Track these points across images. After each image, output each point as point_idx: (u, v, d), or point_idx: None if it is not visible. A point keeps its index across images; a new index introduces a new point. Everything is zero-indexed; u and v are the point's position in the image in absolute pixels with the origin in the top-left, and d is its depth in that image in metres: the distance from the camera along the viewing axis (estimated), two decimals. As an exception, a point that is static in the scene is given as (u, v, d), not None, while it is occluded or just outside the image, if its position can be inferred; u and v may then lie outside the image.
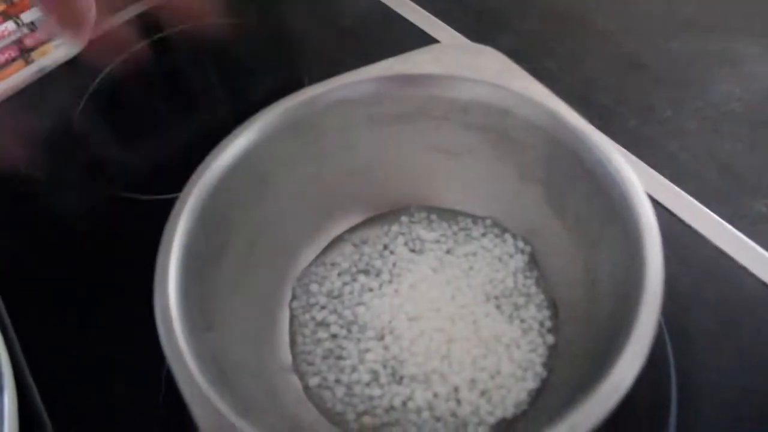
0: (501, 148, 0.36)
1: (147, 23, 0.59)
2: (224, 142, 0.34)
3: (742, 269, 0.38)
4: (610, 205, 0.30)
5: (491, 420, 0.32)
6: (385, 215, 0.40)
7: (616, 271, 0.30)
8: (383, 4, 0.58)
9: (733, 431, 0.33)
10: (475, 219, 0.39)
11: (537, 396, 0.33)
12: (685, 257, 0.38)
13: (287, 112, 0.35)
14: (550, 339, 0.34)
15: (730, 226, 0.40)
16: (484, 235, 0.38)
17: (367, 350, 0.35)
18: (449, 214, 0.39)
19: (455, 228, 0.39)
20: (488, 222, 0.39)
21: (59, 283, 0.43)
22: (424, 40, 0.53)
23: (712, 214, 0.40)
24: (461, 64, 0.35)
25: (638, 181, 0.30)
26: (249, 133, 0.34)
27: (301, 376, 0.35)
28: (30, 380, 0.38)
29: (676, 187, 0.42)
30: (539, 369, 0.33)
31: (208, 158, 0.33)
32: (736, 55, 0.50)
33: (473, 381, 0.33)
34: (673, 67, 0.49)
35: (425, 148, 0.37)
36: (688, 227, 0.40)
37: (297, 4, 0.61)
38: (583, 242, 0.33)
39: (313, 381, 0.35)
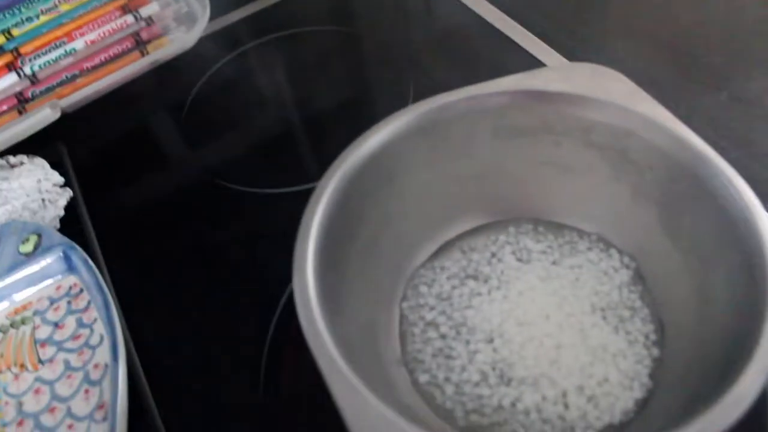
0: (619, 168, 0.37)
1: (258, 24, 0.63)
2: (360, 139, 0.36)
3: None
4: (730, 228, 0.32)
5: (599, 425, 0.33)
6: (492, 224, 0.41)
7: (734, 292, 0.31)
8: (484, 19, 0.58)
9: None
10: (581, 233, 0.40)
11: (644, 406, 0.34)
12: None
13: (419, 117, 0.36)
14: (656, 352, 0.35)
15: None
16: (589, 249, 0.40)
17: (477, 351, 0.36)
18: (555, 227, 0.41)
19: (561, 240, 0.40)
20: (594, 237, 0.40)
21: (167, 266, 0.45)
22: (526, 60, 0.54)
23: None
24: (589, 84, 0.37)
25: (761, 205, 0.31)
26: (382, 132, 0.36)
27: (411, 372, 0.36)
28: (136, 358, 0.40)
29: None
30: (645, 380, 0.35)
31: (344, 152, 0.35)
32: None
33: (581, 387, 0.34)
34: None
35: (543, 162, 0.39)
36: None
37: (401, 15, 0.63)
38: (696, 264, 0.34)
39: (423, 378, 0.36)
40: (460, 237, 0.41)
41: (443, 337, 0.37)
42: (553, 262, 0.39)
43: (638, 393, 0.34)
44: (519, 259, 0.40)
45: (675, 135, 0.34)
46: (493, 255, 0.40)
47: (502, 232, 0.41)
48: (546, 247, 0.40)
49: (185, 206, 0.49)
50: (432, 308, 0.38)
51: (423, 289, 0.39)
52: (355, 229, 0.35)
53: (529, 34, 0.56)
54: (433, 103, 0.37)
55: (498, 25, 0.58)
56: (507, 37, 0.56)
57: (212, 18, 0.59)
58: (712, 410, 0.25)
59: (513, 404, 0.34)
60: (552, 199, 0.41)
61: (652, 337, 0.36)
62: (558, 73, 0.38)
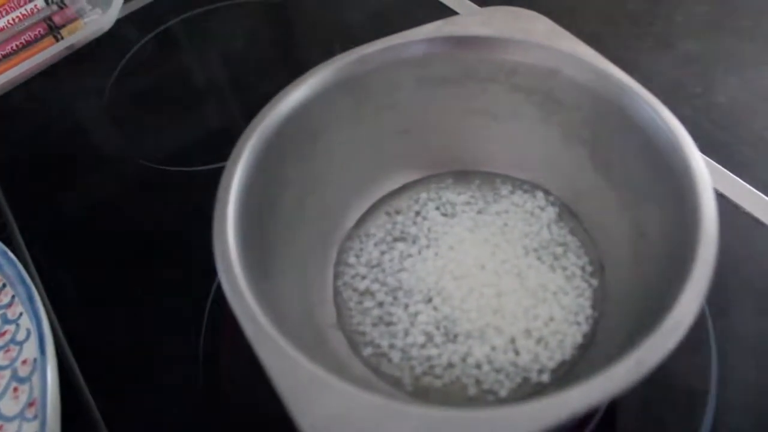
0: (546, 109, 0.35)
1: (177, 1, 0.59)
2: (277, 97, 0.32)
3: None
4: (659, 159, 0.30)
5: (552, 365, 0.31)
6: (419, 181, 0.39)
7: (667, 221, 0.29)
8: None
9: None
10: (504, 179, 0.38)
11: (592, 338, 0.32)
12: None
13: (338, 71, 0.34)
14: (595, 282, 0.34)
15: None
16: (512, 192, 0.37)
17: (417, 313, 0.33)
18: (479, 176, 0.39)
19: (484, 189, 0.38)
20: (516, 180, 0.38)
21: (96, 251, 0.43)
22: (439, 10, 0.53)
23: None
24: (509, 27, 0.34)
25: (687, 134, 0.29)
26: (301, 89, 0.33)
27: (354, 346, 0.33)
28: (68, 351, 0.37)
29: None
30: (589, 312, 0.33)
31: (262, 112, 0.32)
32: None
33: (528, 330, 0.32)
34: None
35: (469, 110, 0.36)
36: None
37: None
38: (629, 197, 0.33)
39: (367, 350, 0.33)
40: (387, 198, 0.38)
41: (380, 304, 0.34)
42: (479, 212, 0.37)
43: (585, 326, 0.32)
44: (444, 214, 0.37)
45: (599, 70, 0.32)
46: (418, 213, 0.37)
47: (423, 189, 0.38)
48: (469, 197, 0.37)
49: (112, 191, 0.46)
50: (364, 277, 0.35)
51: (352, 259, 0.36)
52: (279, 192, 0.33)
53: None
54: (351, 55, 0.34)
55: None
56: None
57: None
58: (651, 337, 0.23)
59: (463, 359, 0.32)
60: (481, 148, 0.38)
61: (589, 269, 0.34)
62: (477, 18, 0.35)
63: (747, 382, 0.33)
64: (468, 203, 0.37)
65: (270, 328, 0.25)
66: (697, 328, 0.34)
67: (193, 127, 0.48)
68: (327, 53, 0.35)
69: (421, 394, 0.32)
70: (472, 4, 0.53)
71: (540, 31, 0.35)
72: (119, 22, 0.55)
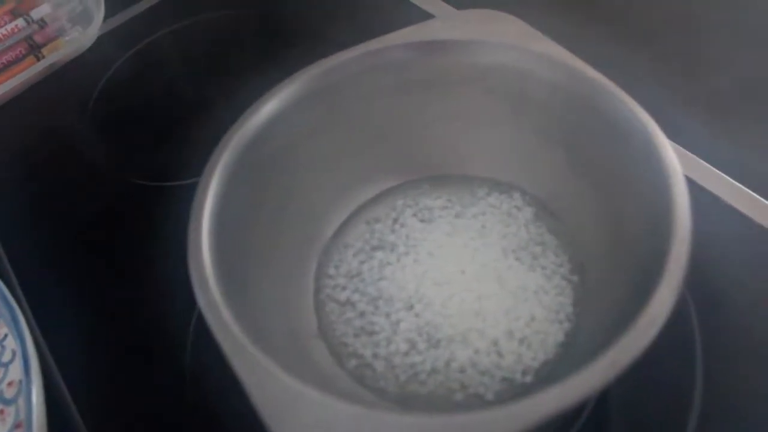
0: (521, 111, 0.35)
1: (157, 17, 0.58)
2: (250, 109, 0.32)
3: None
4: (634, 155, 0.30)
5: (535, 365, 0.31)
6: (397, 188, 0.39)
7: (643, 216, 0.29)
8: None
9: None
10: (480, 181, 0.38)
11: (574, 336, 0.32)
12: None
13: (310, 81, 0.34)
14: (575, 279, 0.34)
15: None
16: (488, 194, 0.37)
17: (399, 321, 0.33)
18: (455, 180, 0.39)
19: (460, 192, 0.38)
20: (493, 182, 0.38)
21: (81, 269, 0.42)
22: (417, 14, 0.53)
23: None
24: (481, 29, 0.34)
25: (658, 128, 0.29)
26: (274, 100, 0.33)
27: (338, 357, 0.33)
28: (54, 368, 0.37)
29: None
30: (570, 309, 0.33)
31: (235, 125, 0.32)
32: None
33: (510, 331, 0.32)
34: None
35: (444, 115, 0.36)
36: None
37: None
38: (606, 194, 0.33)
39: (351, 363, 0.33)
40: (365, 206, 0.38)
41: (362, 314, 0.34)
42: (456, 215, 0.37)
43: (566, 324, 0.32)
44: (422, 220, 0.37)
45: (571, 70, 0.32)
46: (396, 221, 0.37)
47: (400, 196, 0.38)
48: (446, 201, 0.37)
49: (96, 208, 0.46)
50: (344, 288, 0.35)
51: (332, 270, 0.36)
52: (256, 205, 0.32)
53: None
54: (323, 65, 0.34)
55: None
56: None
57: (110, 15, 0.55)
58: (624, 337, 0.24)
59: (447, 364, 0.32)
60: (457, 152, 0.38)
61: (568, 266, 0.34)
62: (449, 23, 0.35)
63: (733, 375, 0.34)
64: (445, 207, 0.37)
65: (244, 340, 0.26)
66: (682, 321, 0.34)
67: (178, 141, 0.48)
68: (309, 61, 0.35)
69: (407, 402, 0.32)
70: (449, 7, 0.53)
71: (512, 33, 0.35)
72: (100, 39, 0.55)
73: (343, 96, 0.35)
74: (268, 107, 0.33)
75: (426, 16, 0.51)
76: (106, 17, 0.55)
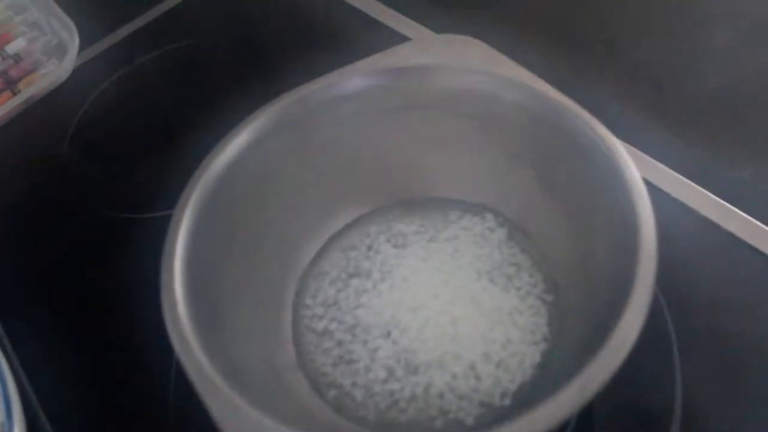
0: (490, 133, 0.35)
1: (132, 47, 0.58)
2: (220, 144, 0.33)
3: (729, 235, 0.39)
4: (600, 176, 0.30)
5: (513, 387, 0.31)
6: (372, 213, 0.39)
7: (611, 236, 0.30)
8: (349, 4, 0.57)
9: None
10: (453, 203, 0.38)
11: (551, 356, 0.32)
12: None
13: (280, 111, 0.34)
14: (549, 299, 0.34)
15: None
16: (461, 217, 0.38)
17: (377, 348, 0.33)
18: (428, 204, 0.39)
19: (433, 216, 0.38)
20: (463, 204, 0.38)
21: (60, 304, 0.42)
22: (394, 37, 0.53)
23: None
24: (446, 55, 0.35)
25: (622, 147, 0.30)
26: (244, 133, 0.33)
27: (317, 388, 0.33)
28: (36, 404, 0.37)
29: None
30: (546, 329, 0.33)
31: (206, 159, 0.32)
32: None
33: (487, 354, 0.32)
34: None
35: (415, 139, 0.37)
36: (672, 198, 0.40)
37: (262, 16, 0.61)
38: (576, 215, 0.33)
39: (331, 392, 0.33)
40: (339, 234, 0.38)
41: (340, 343, 0.34)
42: (430, 240, 0.37)
43: (542, 345, 0.32)
44: (396, 246, 0.37)
45: (537, 93, 0.32)
46: (370, 248, 0.37)
47: (374, 222, 0.38)
48: (419, 226, 0.38)
49: (76, 244, 0.45)
50: (321, 317, 0.35)
51: (309, 300, 0.36)
52: (230, 238, 0.33)
53: (392, 11, 0.55)
54: (293, 96, 0.34)
55: (361, 6, 0.56)
56: (376, 20, 0.55)
57: (86, 46, 0.55)
58: (593, 362, 0.24)
59: (426, 390, 0.32)
60: (428, 175, 0.38)
61: (542, 286, 0.34)
62: (415, 48, 0.36)
63: (710, 381, 0.34)
64: (418, 232, 0.38)
65: (219, 382, 0.26)
66: (657, 328, 0.34)
67: (154, 172, 0.48)
68: (286, 88, 0.35)
69: (387, 430, 0.32)
70: (425, 29, 0.53)
71: (479, 57, 0.35)
72: (76, 71, 0.55)
73: (313, 125, 0.35)
74: (239, 140, 0.33)
75: (402, 39, 0.52)
76: (80, 50, 0.55)
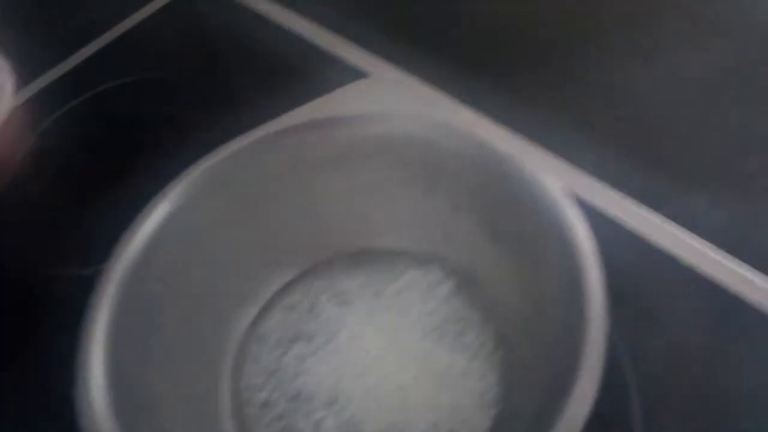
0: (431, 179, 0.34)
1: (69, 85, 0.56)
2: (144, 211, 0.31)
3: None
4: (543, 223, 0.29)
5: None
6: (313, 269, 0.37)
7: (559, 285, 0.28)
8: (308, 41, 0.55)
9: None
10: (398, 253, 0.36)
11: (501, 420, 0.31)
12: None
13: (210, 170, 0.32)
14: (499, 355, 0.32)
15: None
16: (407, 268, 0.36)
17: (322, 420, 0.32)
18: (374, 255, 0.37)
19: (378, 269, 0.36)
20: (409, 255, 0.36)
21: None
22: (351, 73, 0.51)
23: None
24: (386, 99, 0.33)
25: (568, 195, 0.28)
26: (170, 198, 0.31)
27: None
28: None
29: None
30: (495, 390, 0.31)
31: (132, 225, 0.30)
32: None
33: (435, 424, 0.31)
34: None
35: (354, 188, 0.35)
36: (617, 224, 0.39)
37: (220, 52, 0.59)
38: (522, 263, 0.31)
39: None
40: (281, 292, 0.36)
41: (281, 417, 0.32)
42: (375, 294, 0.35)
43: (492, 409, 0.31)
44: (340, 303, 0.35)
45: (475, 140, 0.31)
46: (313, 307, 0.35)
47: (316, 278, 0.36)
48: (363, 281, 0.36)
49: (15, 307, 0.42)
50: (262, 388, 0.33)
51: (248, 368, 0.34)
52: (159, 311, 0.31)
53: (353, 45, 0.52)
54: (220, 154, 0.32)
55: (325, 45, 0.54)
56: (333, 55, 0.52)
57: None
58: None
59: None
60: (371, 225, 0.36)
61: (491, 342, 0.33)
62: (353, 92, 0.34)
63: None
64: (363, 287, 0.36)
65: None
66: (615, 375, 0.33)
67: (88, 226, 0.46)
68: (240, 129, 0.33)
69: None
70: (384, 64, 0.51)
71: (418, 100, 0.33)
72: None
73: (243, 183, 0.34)
74: (162, 207, 0.31)
75: (360, 75, 0.49)
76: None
